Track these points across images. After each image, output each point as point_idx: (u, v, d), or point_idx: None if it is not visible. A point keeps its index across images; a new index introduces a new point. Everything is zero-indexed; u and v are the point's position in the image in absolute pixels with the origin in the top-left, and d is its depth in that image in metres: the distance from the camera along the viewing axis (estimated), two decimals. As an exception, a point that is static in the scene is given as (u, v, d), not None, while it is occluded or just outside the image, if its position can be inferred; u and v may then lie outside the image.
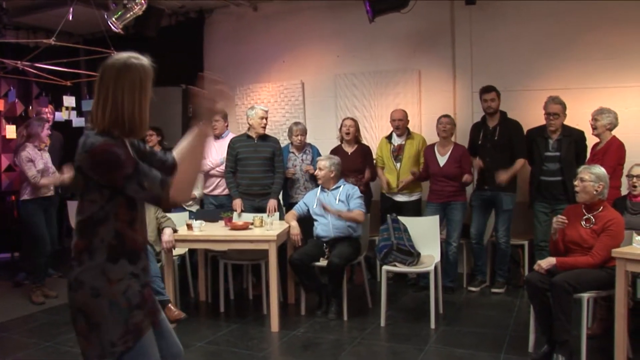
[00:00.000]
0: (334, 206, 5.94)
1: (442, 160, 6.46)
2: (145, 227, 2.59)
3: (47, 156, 6.54)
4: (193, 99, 2.44)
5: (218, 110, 2.48)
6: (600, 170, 4.58)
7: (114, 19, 6.63)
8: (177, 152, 2.45)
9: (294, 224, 5.92)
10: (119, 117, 2.37)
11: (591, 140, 6.00)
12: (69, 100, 7.88)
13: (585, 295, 4.33)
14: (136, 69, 2.39)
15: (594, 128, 5.78)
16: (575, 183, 4.57)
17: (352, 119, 6.96)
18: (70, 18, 6.62)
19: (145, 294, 2.50)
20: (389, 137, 6.94)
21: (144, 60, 2.44)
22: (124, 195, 2.38)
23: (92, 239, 2.39)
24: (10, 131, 8.31)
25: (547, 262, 4.48)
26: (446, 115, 6.55)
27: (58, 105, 8.18)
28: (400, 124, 6.80)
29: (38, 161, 6.37)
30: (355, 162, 6.76)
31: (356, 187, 6.16)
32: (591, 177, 4.48)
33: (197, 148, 2.43)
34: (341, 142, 6.96)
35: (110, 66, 2.39)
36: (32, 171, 6.28)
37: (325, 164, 6.04)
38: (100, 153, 2.30)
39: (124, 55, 2.41)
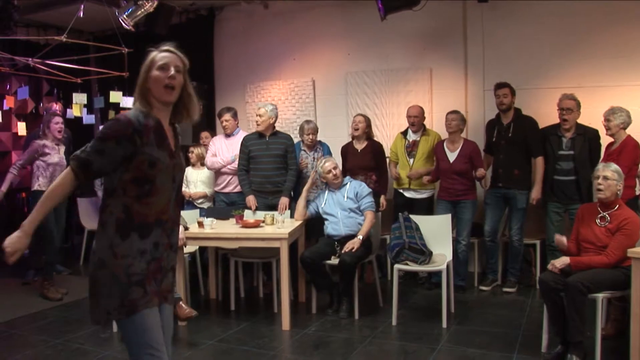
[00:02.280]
0: (342, 204, 5.92)
1: (451, 156, 6.43)
2: (167, 203, 2.66)
3: (63, 151, 6.57)
4: None
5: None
6: (618, 167, 4.54)
7: (124, 16, 6.62)
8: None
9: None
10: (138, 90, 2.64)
11: (607, 139, 5.93)
12: (79, 98, 7.88)
13: (600, 296, 4.28)
14: (153, 54, 2.70)
15: (607, 128, 5.70)
16: (599, 182, 4.50)
17: (363, 115, 6.93)
18: (81, 15, 6.60)
19: (149, 272, 2.61)
20: (405, 133, 6.93)
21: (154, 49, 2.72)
22: (132, 170, 2.53)
23: (104, 210, 2.57)
24: (21, 128, 8.32)
25: (561, 262, 4.43)
26: (453, 112, 6.48)
27: (68, 103, 8.19)
28: (416, 121, 6.78)
29: (53, 155, 6.40)
30: (365, 159, 6.74)
31: (363, 184, 6.13)
32: (614, 175, 4.44)
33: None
34: (352, 138, 6.94)
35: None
36: (21, 160, 6.49)
37: (333, 164, 6.01)
38: (110, 120, 2.58)
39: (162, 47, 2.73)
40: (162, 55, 2.65)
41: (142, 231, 2.57)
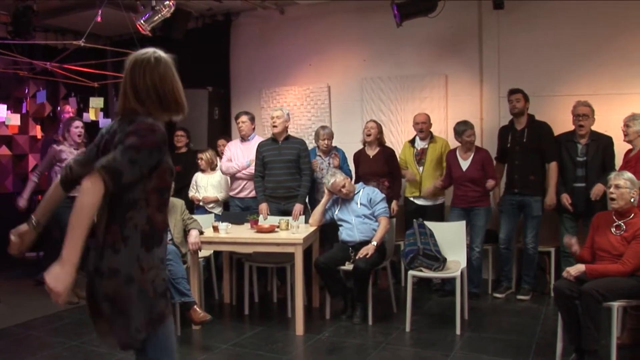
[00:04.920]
0: (356, 211, 5.93)
1: (464, 164, 6.42)
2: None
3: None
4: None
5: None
6: (631, 175, 4.52)
7: (142, 21, 6.66)
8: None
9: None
10: (162, 99, 2.53)
11: (622, 146, 5.90)
12: (96, 102, 7.94)
13: (615, 304, 4.26)
14: (166, 60, 2.56)
15: (626, 134, 5.67)
16: (611, 190, 4.49)
17: (375, 122, 6.92)
18: (99, 20, 6.66)
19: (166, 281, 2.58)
20: (412, 141, 6.93)
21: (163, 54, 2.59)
22: (156, 179, 2.47)
23: (124, 224, 2.42)
24: (39, 131, 8.40)
25: (576, 270, 4.41)
26: (467, 126, 6.40)
27: (85, 106, 8.26)
28: (424, 127, 6.78)
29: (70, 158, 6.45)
30: (377, 165, 6.73)
31: (376, 190, 6.13)
32: (626, 183, 4.42)
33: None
34: (364, 145, 6.95)
35: (143, 59, 2.52)
36: (41, 167, 6.59)
37: (340, 179, 5.98)
38: (144, 127, 2.43)
39: (150, 50, 2.57)
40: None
41: (160, 240, 2.55)
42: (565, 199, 6.06)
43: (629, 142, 5.69)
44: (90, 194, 2.29)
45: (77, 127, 6.56)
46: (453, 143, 6.75)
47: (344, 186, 5.96)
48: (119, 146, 2.36)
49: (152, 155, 2.41)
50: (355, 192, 6.07)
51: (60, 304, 2.24)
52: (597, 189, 5.78)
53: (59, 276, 2.23)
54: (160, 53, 2.56)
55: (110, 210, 2.45)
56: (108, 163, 2.31)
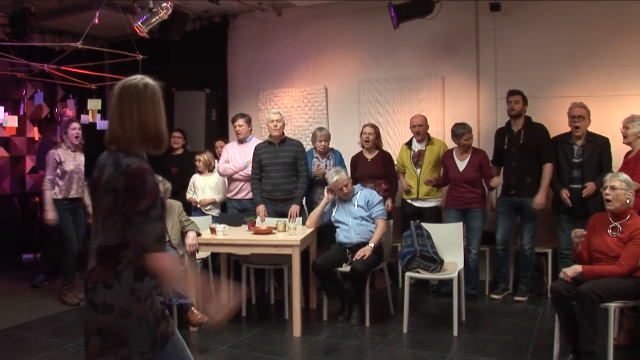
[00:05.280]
0: (353, 213, 5.94)
1: (461, 165, 6.43)
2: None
3: (81, 158, 6.61)
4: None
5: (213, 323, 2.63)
6: (627, 177, 4.53)
7: (139, 23, 6.66)
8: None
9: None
10: (145, 132, 2.49)
11: (619, 147, 5.91)
12: (94, 103, 7.94)
13: (612, 305, 4.28)
14: (154, 88, 2.54)
15: (625, 136, 5.65)
16: (607, 192, 4.50)
17: (372, 126, 6.94)
18: (97, 22, 6.66)
19: (165, 304, 2.59)
20: (409, 143, 6.93)
21: (153, 82, 2.57)
22: None
23: (118, 262, 2.43)
24: (36, 133, 8.40)
25: (573, 270, 4.42)
26: (465, 128, 6.40)
27: (82, 108, 8.27)
28: (420, 130, 6.78)
29: (69, 162, 6.43)
30: (375, 169, 6.75)
31: (374, 192, 6.15)
32: (622, 184, 4.43)
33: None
34: (362, 148, 6.96)
35: (131, 85, 2.51)
36: (48, 175, 6.42)
37: (344, 178, 6.01)
38: (136, 177, 2.39)
39: (138, 77, 2.55)
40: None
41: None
42: (565, 193, 6.04)
43: (628, 143, 5.68)
44: (164, 267, 2.42)
45: (74, 129, 6.55)
46: (450, 144, 6.75)
47: (346, 185, 5.97)
48: (136, 218, 2.37)
49: (157, 195, 2.45)
50: (353, 193, 6.08)
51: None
52: (589, 187, 5.81)
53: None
54: (149, 82, 2.55)
55: (101, 253, 2.46)
56: (149, 238, 2.38)
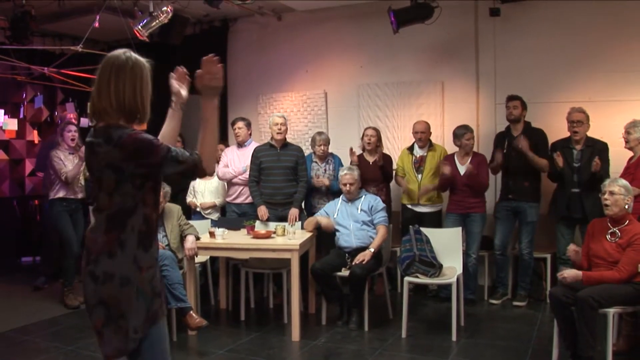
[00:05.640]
0: (356, 216, 5.95)
1: (462, 169, 6.44)
2: None
3: (78, 162, 6.59)
4: (197, 80, 2.68)
5: (220, 85, 2.72)
6: (626, 182, 4.54)
7: (139, 27, 6.67)
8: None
9: (321, 221, 6.05)
10: (122, 105, 2.48)
11: (619, 152, 5.92)
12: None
13: (611, 311, 4.28)
14: (136, 61, 2.56)
15: (627, 141, 5.63)
16: (605, 197, 4.51)
17: (374, 129, 6.96)
18: (97, 26, 6.68)
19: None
20: (411, 149, 6.93)
21: (138, 57, 2.61)
22: (153, 179, 2.50)
23: (123, 229, 2.44)
24: (36, 136, 8.41)
25: (573, 276, 4.41)
26: (467, 130, 6.46)
27: (82, 111, 8.28)
28: (423, 137, 6.78)
29: (67, 165, 6.43)
30: (376, 172, 6.75)
31: (378, 198, 6.17)
32: (621, 190, 4.44)
33: (210, 120, 2.70)
34: (363, 151, 6.97)
35: (110, 58, 2.54)
36: (62, 167, 6.42)
37: (354, 177, 6.04)
38: (133, 142, 2.40)
39: (120, 51, 2.57)
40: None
41: (154, 239, 2.57)
42: (557, 155, 6.02)
43: (630, 149, 5.65)
44: (208, 152, 2.67)
45: (69, 132, 6.56)
46: (451, 150, 6.77)
47: (352, 184, 6.00)
48: (166, 166, 2.46)
49: (160, 142, 2.49)
50: (358, 196, 6.09)
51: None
52: (595, 163, 5.73)
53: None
54: (131, 55, 2.57)
55: (109, 220, 2.46)
56: (191, 159, 2.54)
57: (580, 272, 4.42)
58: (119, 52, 2.55)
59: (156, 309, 2.52)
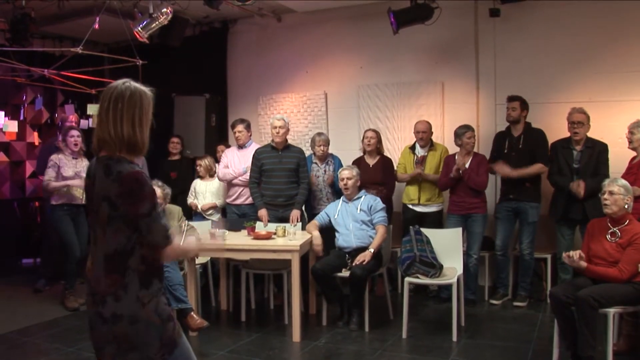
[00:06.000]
0: (355, 216, 5.95)
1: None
2: None
3: (83, 164, 6.56)
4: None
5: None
6: (625, 182, 4.54)
7: (139, 29, 6.68)
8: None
9: (316, 234, 5.93)
10: (120, 137, 2.46)
11: (619, 153, 5.92)
12: (94, 109, 7.94)
13: (612, 311, 4.28)
14: (135, 92, 2.51)
15: (630, 141, 5.56)
16: (605, 197, 4.51)
17: (374, 131, 6.96)
18: (97, 27, 6.68)
19: (169, 304, 2.60)
20: (412, 148, 6.94)
21: (142, 87, 2.56)
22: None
23: (125, 272, 2.45)
24: (36, 138, 8.41)
25: (578, 263, 4.42)
26: (469, 129, 6.47)
27: (82, 113, 8.28)
28: (424, 136, 6.79)
29: (69, 168, 6.41)
30: (377, 174, 6.76)
31: (378, 198, 6.16)
32: (620, 190, 4.44)
33: (179, 255, 2.72)
34: (363, 153, 6.97)
35: (109, 89, 2.51)
36: (47, 175, 6.40)
37: (352, 173, 6.06)
38: (130, 181, 2.40)
39: (120, 81, 2.54)
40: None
41: (159, 274, 2.57)
42: (577, 185, 5.92)
43: (633, 149, 5.59)
44: (171, 255, 2.58)
45: (72, 137, 6.54)
46: (452, 149, 6.77)
47: (349, 178, 6.03)
48: (141, 221, 2.41)
49: (155, 197, 2.48)
50: (357, 197, 6.09)
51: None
52: (577, 185, 5.82)
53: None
54: (130, 86, 2.53)
55: (108, 261, 2.46)
56: (159, 237, 2.46)
57: (585, 264, 4.43)
58: (119, 82, 2.53)
59: (169, 334, 2.53)
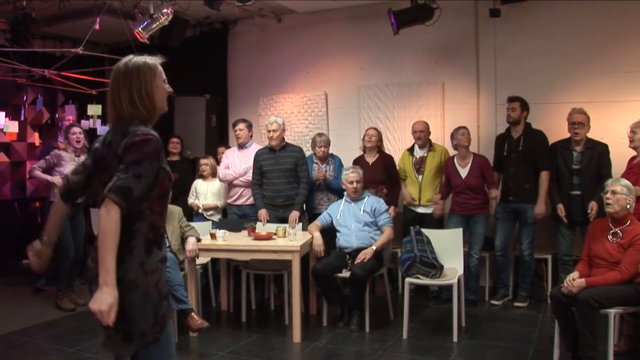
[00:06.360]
0: (358, 217, 5.95)
1: (463, 172, 6.43)
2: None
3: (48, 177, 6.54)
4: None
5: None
6: (628, 182, 4.53)
7: (139, 29, 6.68)
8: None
9: (317, 234, 5.92)
10: (134, 107, 2.53)
11: (619, 154, 5.92)
12: (94, 109, 7.95)
13: (612, 311, 4.27)
14: (137, 64, 2.58)
15: (631, 140, 5.52)
16: (607, 196, 4.50)
17: (376, 129, 6.97)
18: (97, 28, 6.68)
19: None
20: (411, 150, 6.93)
21: (141, 59, 2.62)
22: (157, 187, 2.46)
23: (132, 235, 2.44)
24: (37, 138, 8.41)
25: (578, 286, 4.34)
26: (462, 127, 6.51)
27: (83, 114, 8.29)
28: (422, 136, 6.78)
29: (69, 165, 6.40)
30: (376, 173, 6.74)
31: (381, 200, 6.16)
32: (623, 189, 4.43)
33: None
34: (363, 151, 6.97)
35: (116, 67, 2.59)
36: (38, 163, 6.46)
37: (360, 176, 6.05)
38: (138, 136, 2.42)
39: (124, 59, 2.61)
40: (160, 66, 2.65)
41: (159, 243, 2.56)
42: (560, 210, 6.05)
43: (634, 148, 5.56)
44: (107, 219, 2.29)
45: (74, 134, 6.55)
46: (452, 150, 6.77)
47: (359, 182, 6.02)
48: (121, 166, 2.37)
49: (152, 164, 2.42)
50: (361, 197, 6.09)
51: (109, 322, 2.25)
52: (592, 206, 5.75)
53: (102, 298, 2.24)
54: (132, 59, 2.60)
55: (124, 227, 2.42)
56: (115, 185, 2.31)
57: (583, 280, 4.36)
58: (124, 59, 2.60)
59: (163, 312, 2.52)
